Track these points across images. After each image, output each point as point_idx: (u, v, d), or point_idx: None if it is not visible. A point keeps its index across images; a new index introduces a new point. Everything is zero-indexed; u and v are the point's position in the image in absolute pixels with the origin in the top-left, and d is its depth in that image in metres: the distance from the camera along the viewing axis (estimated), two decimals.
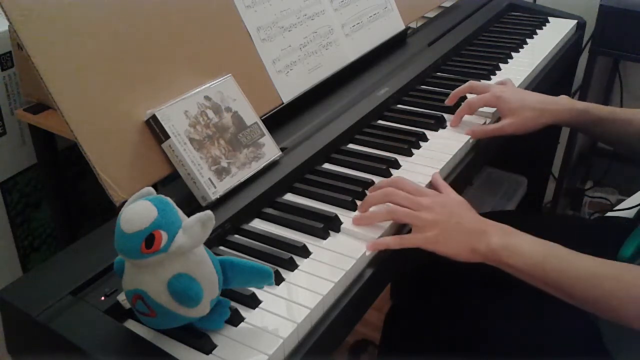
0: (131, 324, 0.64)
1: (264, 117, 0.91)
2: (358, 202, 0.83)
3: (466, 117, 1.04)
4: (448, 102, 1.06)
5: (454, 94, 1.05)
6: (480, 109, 1.05)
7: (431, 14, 1.50)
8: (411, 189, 0.80)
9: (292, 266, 0.72)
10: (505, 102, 1.00)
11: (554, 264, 0.73)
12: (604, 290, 0.70)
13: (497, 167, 1.71)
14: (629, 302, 0.68)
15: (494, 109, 1.05)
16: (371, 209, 0.80)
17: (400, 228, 0.81)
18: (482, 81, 1.14)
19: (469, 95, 1.06)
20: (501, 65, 1.26)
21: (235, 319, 0.64)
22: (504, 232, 0.76)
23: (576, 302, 0.73)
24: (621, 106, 1.89)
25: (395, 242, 0.76)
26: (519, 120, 0.98)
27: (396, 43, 1.28)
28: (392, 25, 1.26)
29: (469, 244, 0.75)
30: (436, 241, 0.76)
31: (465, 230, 0.76)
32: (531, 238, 0.75)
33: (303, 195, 0.85)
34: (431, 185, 0.87)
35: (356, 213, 0.81)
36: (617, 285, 0.69)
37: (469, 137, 0.99)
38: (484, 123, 1.03)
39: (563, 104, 1.00)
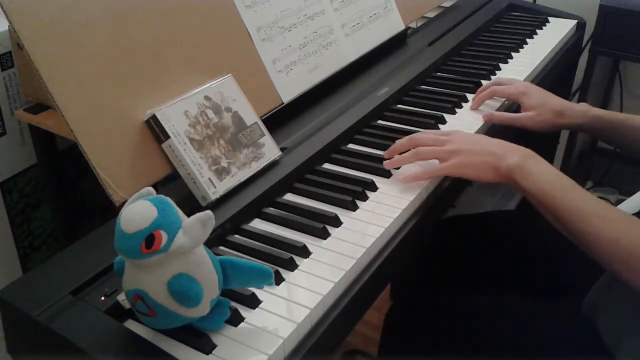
0: (131, 324, 0.64)
1: (264, 117, 0.91)
2: (358, 202, 0.83)
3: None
4: (473, 106, 1.09)
5: (480, 97, 1.09)
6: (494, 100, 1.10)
7: (431, 14, 1.50)
8: (430, 136, 0.87)
9: (292, 266, 0.72)
10: (529, 97, 1.04)
11: (560, 193, 0.76)
12: (593, 228, 0.73)
13: None
14: (613, 245, 0.71)
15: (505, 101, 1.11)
16: (396, 157, 0.88)
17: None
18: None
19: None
20: (501, 65, 1.26)
21: (235, 319, 0.64)
22: (524, 155, 0.80)
23: (574, 239, 0.76)
24: (621, 106, 1.90)
25: (425, 173, 0.84)
26: (537, 117, 1.02)
27: (396, 43, 1.28)
28: (392, 25, 1.26)
29: (491, 163, 0.81)
30: (462, 165, 0.82)
31: (488, 152, 0.82)
32: (548, 166, 0.80)
33: (303, 195, 0.85)
34: None
35: (356, 213, 0.81)
36: (605, 225, 0.72)
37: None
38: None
39: (580, 110, 1.03)
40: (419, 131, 0.99)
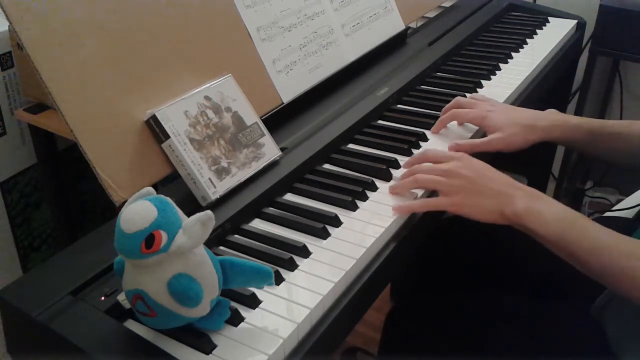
0: (131, 324, 0.64)
1: (264, 117, 0.91)
2: (358, 202, 0.83)
3: (451, 127, 1.02)
4: (434, 130, 1.01)
5: (440, 120, 1.01)
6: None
7: (431, 14, 1.50)
8: (438, 156, 0.83)
9: (292, 266, 0.72)
10: (491, 120, 0.96)
11: (573, 233, 0.73)
12: (620, 268, 0.70)
13: (497, 167, 1.71)
14: None
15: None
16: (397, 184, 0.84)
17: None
18: (472, 95, 1.09)
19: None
20: (501, 65, 1.26)
21: (235, 319, 0.64)
22: (530, 196, 0.77)
23: (592, 276, 0.73)
24: (621, 106, 1.90)
25: (419, 205, 0.80)
26: (506, 137, 0.94)
27: (396, 43, 1.28)
28: (392, 25, 1.26)
29: (496, 206, 0.76)
30: (462, 204, 0.78)
31: (492, 193, 0.77)
32: (556, 205, 0.76)
33: (303, 195, 0.85)
34: None
35: (356, 213, 0.81)
36: (632, 262, 0.69)
37: (469, 136, 0.99)
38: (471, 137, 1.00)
39: (553, 120, 0.97)
40: (419, 131, 1.00)
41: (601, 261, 0.71)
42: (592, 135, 0.96)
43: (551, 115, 0.98)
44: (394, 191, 0.84)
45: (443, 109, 1.02)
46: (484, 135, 0.98)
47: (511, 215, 0.76)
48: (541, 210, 0.75)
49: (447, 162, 0.81)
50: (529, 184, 1.68)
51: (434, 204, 0.80)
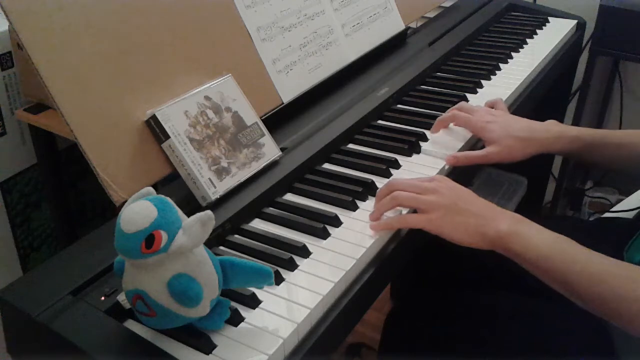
0: (131, 324, 0.64)
1: (264, 117, 0.91)
2: (358, 202, 0.83)
3: (452, 128, 1.02)
4: (433, 130, 1.01)
5: (440, 120, 1.00)
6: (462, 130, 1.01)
7: (431, 14, 1.50)
8: (417, 179, 0.80)
9: (292, 266, 0.72)
10: (489, 132, 0.95)
11: (561, 257, 0.70)
12: (613, 291, 0.66)
13: (497, 167, 1.71)
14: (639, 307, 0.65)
15: None
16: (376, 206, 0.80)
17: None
18: (473, 105, 1.05)
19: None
20: (501, 65, 1.26)
21: (235, 319, 0.64)
22: (514, 220, 0.74)
23: (582, 302, 0.70)
24: (621, 106, 1.90)
25: (397, 222, 0.77)
26: (503, 150, 0.93)
27: (396, 43, 1.28)
28: (392, 25, 1.26)
29: (477, 228, 0.73)
30: (441, 224, 0.74)
31: (473, 215, 0.74)
32: (541, 229, 0.73)
33: (303, 195, 0.85)
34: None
35: (356, 213, 0.81)
36: (629, 287, 0.65)
37: (470, 136, 0.99)
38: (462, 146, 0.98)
39: (553, 132, 0.95)
40: (419, 131, 1.00)
41: (596, 287, 0.67)
42: (593, 146, 0.95)
43: (550, 127, 0.97)
44: (373, 217, 0.79)
45: (442, 117, 1.01)
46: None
47: (494, 237, 0.72)
48: (527, 232, 0.72)
49: (428, 182, 0.79)
50: (529, 184, 1.68)
51: (412, 221, 0.76)
